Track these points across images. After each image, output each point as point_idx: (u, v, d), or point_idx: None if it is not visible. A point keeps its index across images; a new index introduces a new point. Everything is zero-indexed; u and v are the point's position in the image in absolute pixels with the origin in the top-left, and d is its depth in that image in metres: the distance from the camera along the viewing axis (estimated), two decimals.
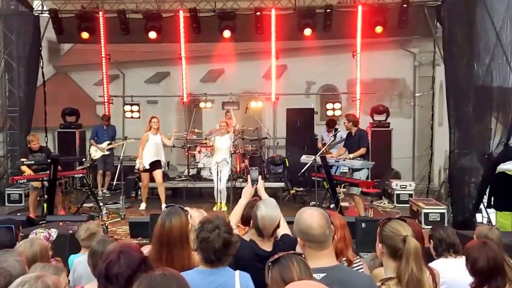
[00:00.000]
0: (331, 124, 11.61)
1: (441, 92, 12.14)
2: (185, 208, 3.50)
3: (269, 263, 2.39)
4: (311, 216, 2.77)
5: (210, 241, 2.93)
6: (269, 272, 2.37)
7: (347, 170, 9.44)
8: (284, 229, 3.62)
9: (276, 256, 2.41)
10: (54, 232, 4.55)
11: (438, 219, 8.69)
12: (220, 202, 9.80)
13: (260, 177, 4.12)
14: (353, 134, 9.22)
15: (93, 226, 4.55)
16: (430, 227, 7.32)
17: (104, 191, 11.72)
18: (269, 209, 3.40)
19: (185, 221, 3.35)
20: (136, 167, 10.15)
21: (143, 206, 10.24)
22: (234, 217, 3.91)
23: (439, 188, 11.70)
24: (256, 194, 4.07)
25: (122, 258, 2.55)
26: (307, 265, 2.40)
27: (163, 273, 2.11)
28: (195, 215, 3.58)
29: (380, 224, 2.95)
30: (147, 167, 9.86)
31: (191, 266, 3.14)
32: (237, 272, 3.02)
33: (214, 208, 9.55)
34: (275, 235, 3.51)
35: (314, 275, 2.52)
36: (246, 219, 3.87)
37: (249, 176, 4.11)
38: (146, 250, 3.53)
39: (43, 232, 4.63)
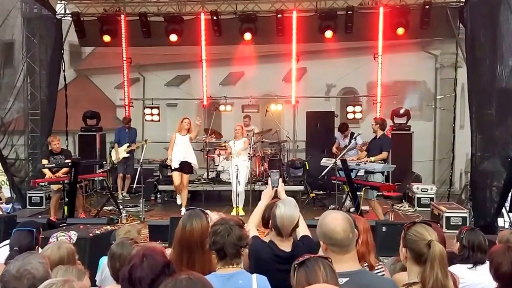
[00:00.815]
0: (343, 128, 11.47)
1: (462, 95, 11.99)
2: (206, 211, 3.49)
3: (296, 265, 2.35)
4: (335, 220, 2.73)
5: (220, 232, 2.98)
6: (294, 273, 2.34)
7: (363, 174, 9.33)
8: (303, 230, 3.59)
9: (301, 259, 2.37)
10: (74, 235, 4.55)
11: (460, 223, 8.54)
12: (237, 206, 9.74)
13: (280, 179, 4.08)
14: (377, 138, 9.12)
15: (134, 230, 4.48)
16: (451, 231, 7.26)
17: (124, 194, 11.75)
18: (288, 208, 3.38)
19: (206, 224, 3.33)
20: (168, 162, 10.10)
21: (179, 200, 10.26)
22: (254, 219, 3.89)
23: (460, 192, 11.54)
24: (276, 196, 4.03)
25: (145, 262, 2.56)
26: (333, 270, 2.36)
27: (188, 277, 2.10)
28: (215, 218, 3.56)
29: (405, 228, 2.89)
30: (176, 166, 9.82)
31: (212, 270, 3.12)
32: (254, 275, 3.02)
33: (233, 212, 9.49)
34: (295, 235, 3.49)
35: None
36: (267, 221, 3.85)
37: (269, 179, 4.04)
38: (167, 253, 3.53)
39: (63, 236, 4.64)
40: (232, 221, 3.08)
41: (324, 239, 2.74)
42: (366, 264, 3.36)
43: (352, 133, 10.87)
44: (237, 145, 9.92)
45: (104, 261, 4.14)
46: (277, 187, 4.02)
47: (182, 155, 9.79)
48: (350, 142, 10.20)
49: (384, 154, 8.91)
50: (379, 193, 8.82)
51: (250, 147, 10.03)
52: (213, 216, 3.61)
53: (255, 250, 3.38)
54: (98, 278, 4.14)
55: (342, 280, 2.55)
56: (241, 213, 9.42)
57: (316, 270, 2.31)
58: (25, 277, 2.60)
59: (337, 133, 11.88)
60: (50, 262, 3.26)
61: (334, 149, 11.19)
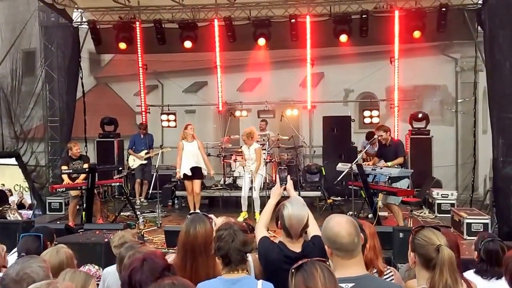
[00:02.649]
0: (371, 136, 11.36)
1: (485, 99, 11.79)
2: (210, 215, 3.45)
3: (293, 270, 2.33)
4: (339, 224, 2.68)
5: (224, 237, 2.95)
6: (292, 278, 2.31)
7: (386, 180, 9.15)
8: (314, 230, 3.48)
9: (299, 263, 2.34)
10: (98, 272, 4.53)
11: (481, 229, 8.33)
12: (246, 211, 9.69)
13: (289, 176, 3.98)
14: (388, 145, 8.93)
15: (128, 234, 4.52)
16: (472, 237, 7.09)
17: (142, 199, 11.81)
18: (295, 208, 3.29)
19: (210, 228, 3.32)
20: (176, 177, 10.13)
21: None
22: (263, 219, 3.81)
23: (483, 198, 11.32)
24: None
25: (145, 265, 2.58)
26: (331, 273, 2.32)
27: (172, 282, 2.10)
28: (220, 222, 3.52)
29: (413, 232, 2.84)
30: (189, 173, 9.81)
31: (216, 274, 3.11)
32: (260, 281, 2.97)
33: (240, 218, 9.36)
34: (305, 236, 3.41)
35: (342, 285, 2.46)
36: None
37: (277, 176, 3.97)
38: (171, 258, 3.50)
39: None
40: (236, 226, 3.04)
41: (328, 243, 2.69)
42: (375, 270, 3.29)
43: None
44: (247, 152, 9.77)
45: (104, 270, 4.13)
46: (285, 184, 3.95)
47: (192, 162, 9.81)
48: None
49: (400, 159, 8.72)
50: None
51: (265, 153, 9.94)
52: (218, 221, 3.57)
53: (264, 251, 3.34)
54: None
55: (347, 286, 2.52)
56: (258, 218, 9.33)
57: (313, 273, 2.27)
58: (24, 281, 2.60)
59: (359, 137, 11.77)
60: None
61: (363, 155, 10.79)
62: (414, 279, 3.05)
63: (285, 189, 3.92)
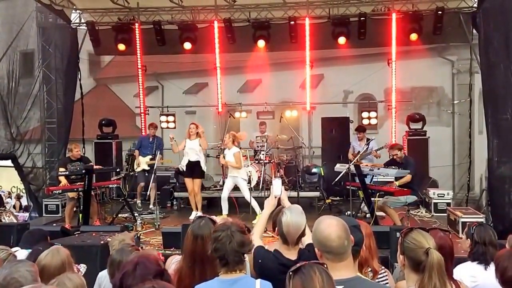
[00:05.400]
0: (360, 129, 11.33)
1: (480, 100, 11.85)
2: (215, 218, 3.44)
3: (290, 272, 2.33)
4: (329, 227, 2.68)
5: (221, 239, 2.93)
6: (290, 281, 2.32)
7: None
8: (309, 238, 3.45)
9: (297, 265, 2.35)
10: (83, 268, 4.51)
11: None
12: (226, 214, 9.66)
13: (283, 187, 3.99)
14: (400, 162, 8.78)
15: (128, 238, 4.43)
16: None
17: (149, 195, 11.63)
18: (294, 215, 3.31)
19: None
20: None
21: (193, 214, 9.88)
22: (258, 229, 3.84)
23: (479, 197, 11.39)
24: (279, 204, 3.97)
25: (138, 270, 2.56)
26: (329, 275, 2.34)
27: (152, 286, 2.10)
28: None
29: (402, 235, 2.85)
30: (185, 169, 9.92)
31: None
32: (258, 280, 2.97)
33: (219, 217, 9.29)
34: (301, 243, 3.42)
35: None
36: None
37: (271, 186, 4.00)
38: (176, 259, 3.49)
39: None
40: (234, 226, 3.00)
41: (318, 246, 2.70)
42: (370, 269, 3.31)
43: (368, 139, 10.73)
44: (228, 155, 9.72)
45: (100, 274, 4.11)
46: (280, 194, 3.98)
47: (191, 157, 9.86)
48: (367, 147, 10.07)
49: (409, 177, 8.56)
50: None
51: (263, 154, 9.95)
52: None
53: (260, 259, 3.34)
54: None
55: None
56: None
57: (312, 275, 2.29)
58: (12, 285, 2.59)
59: (352, 138, 11.78)
60: (52, 267, 3.23)
61: (350, 156, 10.91)
62: (403, 281, 3.08)
63: (279, 199, 3.93)
